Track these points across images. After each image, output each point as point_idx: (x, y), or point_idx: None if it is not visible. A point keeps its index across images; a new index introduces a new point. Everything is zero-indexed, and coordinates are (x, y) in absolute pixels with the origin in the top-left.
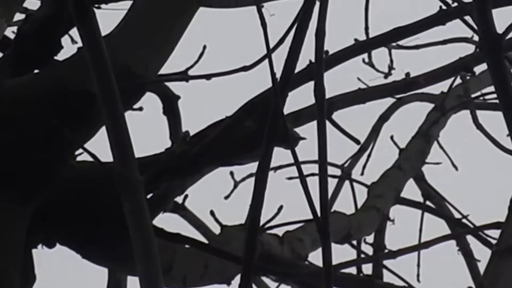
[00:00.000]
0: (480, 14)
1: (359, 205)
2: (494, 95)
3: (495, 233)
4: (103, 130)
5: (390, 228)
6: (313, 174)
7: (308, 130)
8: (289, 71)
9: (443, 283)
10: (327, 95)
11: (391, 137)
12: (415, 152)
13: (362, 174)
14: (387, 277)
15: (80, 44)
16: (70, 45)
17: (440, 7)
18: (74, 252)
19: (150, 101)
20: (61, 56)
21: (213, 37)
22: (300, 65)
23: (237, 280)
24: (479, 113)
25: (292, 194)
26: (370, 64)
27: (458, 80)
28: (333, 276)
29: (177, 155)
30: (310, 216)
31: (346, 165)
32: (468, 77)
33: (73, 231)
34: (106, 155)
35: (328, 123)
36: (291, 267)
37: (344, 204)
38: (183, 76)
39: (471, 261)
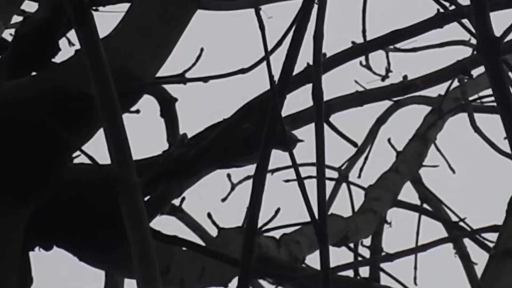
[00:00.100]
0: (477, 17)
1: (356, 208)
2: (492, 98)
3: (492, 236)
4: (100, 132)
5: (387, 231)
6: (310, 177)
7: (305, 133)
8: (287, 74)
9: (440, 286)
10: (325, 98)
11: (389, 140)
12: (413, 155)
13: (359, 176)
14: (384, 280)
15: (77, 46)
16: (67, 48)
17: (438, 10)
18: (71, 255)
19: (148, 104)
20: (58, 59)
21: (211, 39)
22: (298, 67)
23: (234, 282)
24: (476, 116)
25: (289, 197)
26: (368, 66)
27: (456, 83)
28: (330, 279)
29: (174, 157)
30: (308, 219)
31: (343, 167)
32: (465, 80)
33: (70, 233)
34: (104, 157)
35: (325, 126)
36: (288, 269)
37: (342, 207)
38: (180, 78)
39: (468, 264)
